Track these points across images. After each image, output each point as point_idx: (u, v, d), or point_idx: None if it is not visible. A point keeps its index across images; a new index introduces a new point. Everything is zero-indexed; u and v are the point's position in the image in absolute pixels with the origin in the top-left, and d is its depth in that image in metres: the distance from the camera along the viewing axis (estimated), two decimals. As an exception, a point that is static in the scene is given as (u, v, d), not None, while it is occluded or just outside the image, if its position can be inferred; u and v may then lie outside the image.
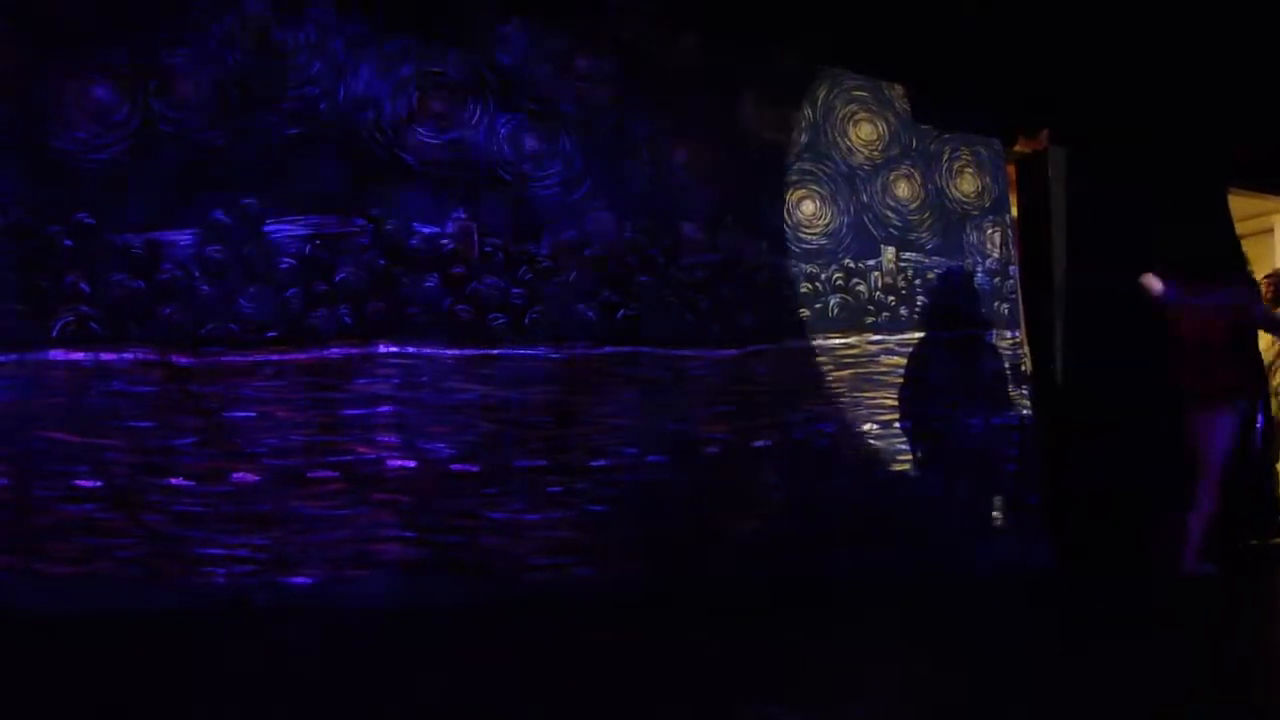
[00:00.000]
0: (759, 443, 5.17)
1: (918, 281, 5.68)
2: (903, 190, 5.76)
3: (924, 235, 5.76)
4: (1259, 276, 6.89)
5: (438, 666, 3.36)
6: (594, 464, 4.81)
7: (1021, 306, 5.92)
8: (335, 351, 4.52)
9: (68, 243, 4.32)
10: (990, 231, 5.87)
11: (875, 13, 5.33)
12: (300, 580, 4.34)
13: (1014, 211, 6.10)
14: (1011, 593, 5.00)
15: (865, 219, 5.65)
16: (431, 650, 3.64)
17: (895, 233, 5.71)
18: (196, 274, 4.44)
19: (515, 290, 4.81)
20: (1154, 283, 5.24)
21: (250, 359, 4.44)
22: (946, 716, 2.69)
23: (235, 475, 4.36)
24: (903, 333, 5.61)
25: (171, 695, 2.93)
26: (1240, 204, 6.97)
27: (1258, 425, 5.92)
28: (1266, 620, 4.51)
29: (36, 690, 2.92)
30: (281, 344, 4.47)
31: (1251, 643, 3.79)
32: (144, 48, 4.48)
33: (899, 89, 5.80)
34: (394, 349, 4.57)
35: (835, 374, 5.45)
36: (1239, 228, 7.08)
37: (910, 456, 5.47)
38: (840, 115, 5.69)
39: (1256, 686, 3.06)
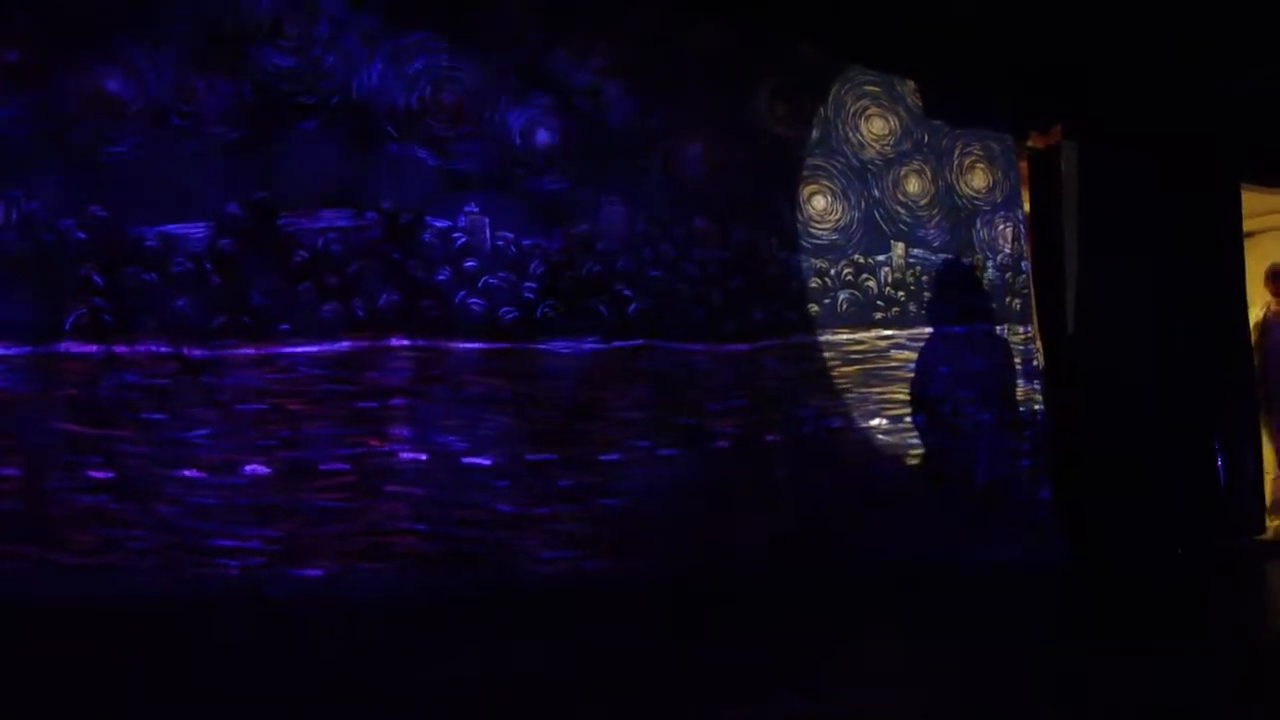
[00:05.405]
0: (770, 437, 5.16)
1: (927, 277, 5.67)
2: (914, 185, 5.75)
3: (934, 230, 5.75)
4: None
5: (447, 658, 3.37)
6: (605, 458, 4.81)
7: (1034, 301, 5.90)
8: (347, 344, 4.53)
9: (81, 235, 4.33)
10: (1002, 227, 5.86)
11: (888, 7, 5.32)
12: (312, 572, 4.34)
13: (1026, 207, 6.08)
14: (1023, 588, 4.98)
15: (876, 214, 5.64)
16: (441, 642, 3.65)
17: (905, 228, 5.70)
18: (209, 267, 4.44)
19: (527, 284, 4.81)
20: None
21: (263, 352, 4.44)
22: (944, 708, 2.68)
23: (247, 467, 4.36)
24: (912, 328, 5.60)
25: (181, 685, 2.93)
26: (1253, 200, 6.94)
27: (1218, 464, 5.96)
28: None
29: (49, 680, 2.93)
30: (294, 337, 4.47)
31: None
32: (158, 41, 4.49)
33: (911, 84, 5.79)
34: (406, 342, 4.58)
35: (844, 369, 5.44)
36: (1251, 224, 7.06)
37: (921, 451, 5.46)
38: (852, 110, 5.68)
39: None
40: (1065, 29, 5.41)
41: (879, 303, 5.57)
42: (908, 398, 5.50)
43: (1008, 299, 5.81)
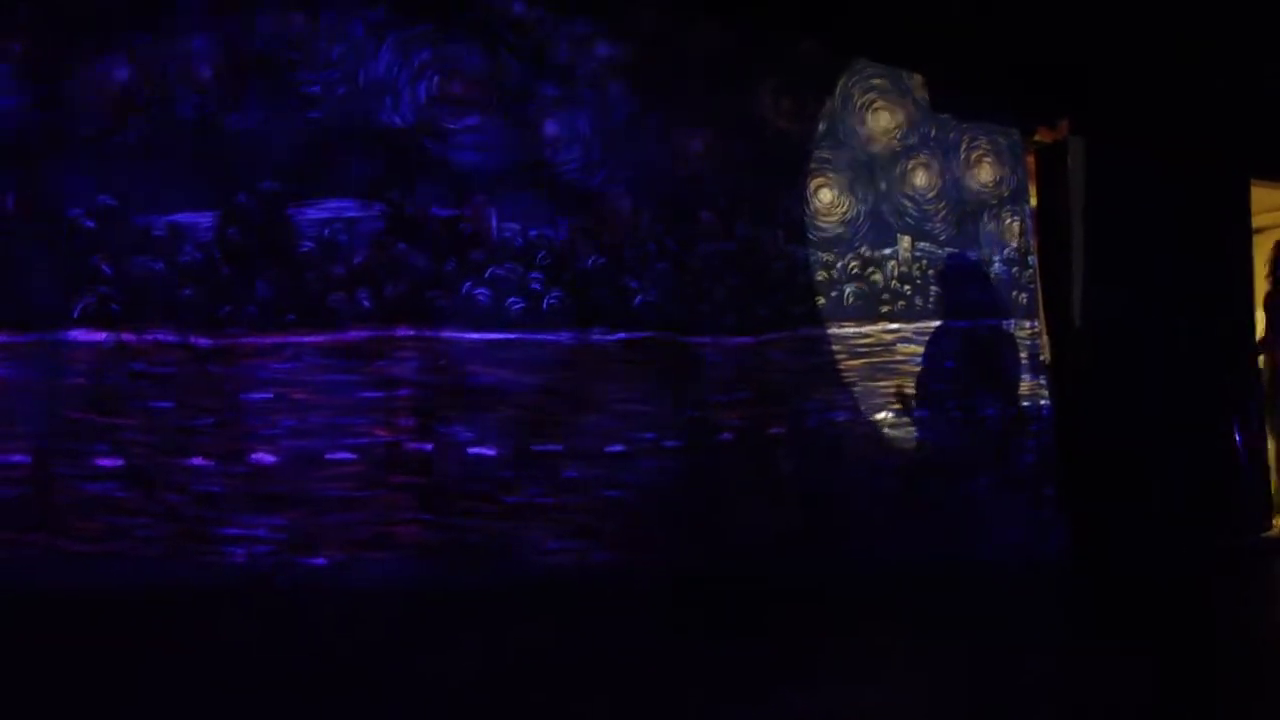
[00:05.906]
0: (774, 430, 5.17)
1: (933, 271, 5.66)
2: (921, 179, 5.73)
3: (941, 225, 5.73)
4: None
5: (450, 648, 3.38)
6: (609, 449, 4.82)
7: (1040, 296, 5.89)
8: (353, 334, 4.54)
9: (89, 224, 4.35)
10: (1009, 221, 5.84)
11: (888, 5, 5.30)
12: (317, 561, 4.37)
13: (1033, 201, 6.07)
14: (1025, 586, 4.99)
15: (883, 208, 5.63)
16: (445, 632, 3.67)
17: (912, 222, 5.69)
18: (217, 256, 4.46)
19: (533, 275, 4.82)
20: None
21: (269, 341, 4.46)
22: (950, 704, 2.69)
23: (253, 456, 4.39)
24: (918, 322, 5.60)
25: (187, 673, 2.95)
26: (1262, 195, 6.92)
27: (1238, 442, 5.98)
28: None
29: (55, 668, 2.95)
30: (300, 326, 4.49)
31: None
32: (167, 31, 4.50)
33: (918, 77, 5.76)
34: (412, 332, 4.59)
35: (850, 363, 5.44)
36: (1260, 220, 7.04)
37: (926, 446, 5.46)
38: (859, 103, 5.66)
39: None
40: (1070, 24, 5.38)
41: (885, 296, 5.56)
42: (914, 391, 5.49)
43: (1014, 294, 5.80)
